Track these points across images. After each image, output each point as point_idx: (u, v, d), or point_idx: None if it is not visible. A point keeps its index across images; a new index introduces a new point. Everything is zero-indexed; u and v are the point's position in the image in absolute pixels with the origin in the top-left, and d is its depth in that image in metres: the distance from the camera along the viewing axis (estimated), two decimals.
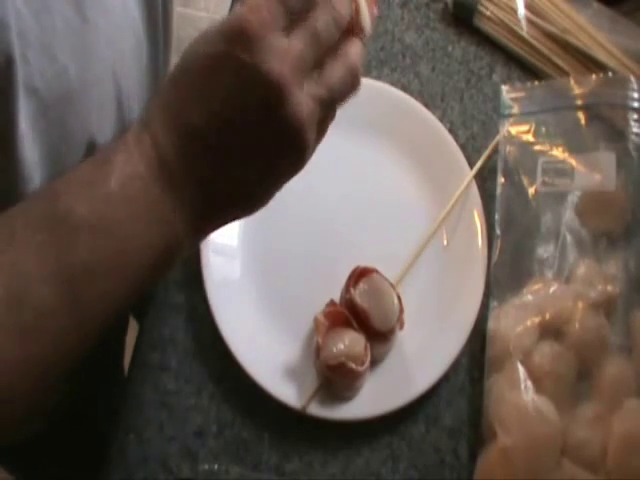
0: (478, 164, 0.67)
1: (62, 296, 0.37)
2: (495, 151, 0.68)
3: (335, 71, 0.37)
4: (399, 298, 0.59)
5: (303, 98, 0.35)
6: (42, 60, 0.40)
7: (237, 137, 0.36)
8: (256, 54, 0.34)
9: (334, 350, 0.56)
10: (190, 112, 0.36)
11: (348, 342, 0.57)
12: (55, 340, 0.37)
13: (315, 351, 0.58)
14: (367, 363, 0.57)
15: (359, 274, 0.59)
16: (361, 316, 0.58)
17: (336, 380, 0.58)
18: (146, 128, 0.38)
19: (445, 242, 0.66)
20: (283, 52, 0.34)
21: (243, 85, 0.35)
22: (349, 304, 0.58)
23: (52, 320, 0.37)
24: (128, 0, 0.49)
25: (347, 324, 0.58)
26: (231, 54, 0.34)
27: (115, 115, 0.51)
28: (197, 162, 0.37)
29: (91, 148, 0.49)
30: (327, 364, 0.57)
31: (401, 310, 0.59)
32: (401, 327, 0.59)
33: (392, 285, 0.60)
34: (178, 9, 0.60)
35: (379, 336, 0.58)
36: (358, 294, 0.58)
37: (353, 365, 0.56)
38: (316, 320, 0.58)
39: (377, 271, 0.60)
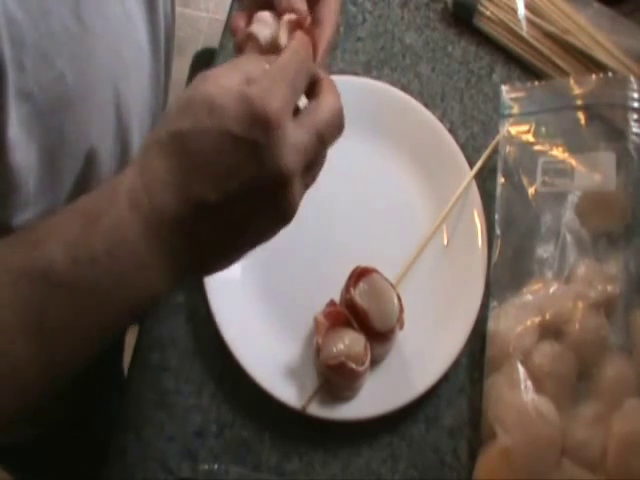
0: (478, 164, 0.67)
1: (36, 350, 0.37)
2: (495, 151, 0.68)
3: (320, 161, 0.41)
4: (399, 298, 0.59)
5: (301, 189, 0.40)
6: (38, 66, 0.40)
7: (240, 211, 0.39)
8: (275, 145, 0.37)
9: (334, 350, 0.56)
10: (202, 187, 0.38)
11: (348, 342, 0.57)
12: (21, 391, 0.38)
13: (315, 351, 0.58)
14: (367, 363, 0.57)
15: (359, 274, 0.59)
16: (361, 316, 0.58)
17: (336, 380, 0.58)
18: (145, 190, 0.38)
19: (445, 242, 0.66)
20: (297, 149, 0.38)
21: (259, 171, 0.37)
22: (349, 304, 0.58)
23: (23, 372, 0.38)
24: (131, 9, 0.49)
25: (347, 324, 0.58)
26: (251, 139, 0.37)
27: (115, 124, 0.51)
28: (196, 228, 0.39)
29: (90, 157, 0.49)
30: (327, 364, 0.57)
31: (401, 310, 0.59)
32: (401, 327, 0.59)
33: (392, 285, 0.60)
34: (178, 9, 0.60)
35: (379, 336, 0.58)
36: (358, 294, 0.58)
37: (353, 365, 0.56)
38: (316, 320, 0.58)
39: (377, 271, 0.60)
